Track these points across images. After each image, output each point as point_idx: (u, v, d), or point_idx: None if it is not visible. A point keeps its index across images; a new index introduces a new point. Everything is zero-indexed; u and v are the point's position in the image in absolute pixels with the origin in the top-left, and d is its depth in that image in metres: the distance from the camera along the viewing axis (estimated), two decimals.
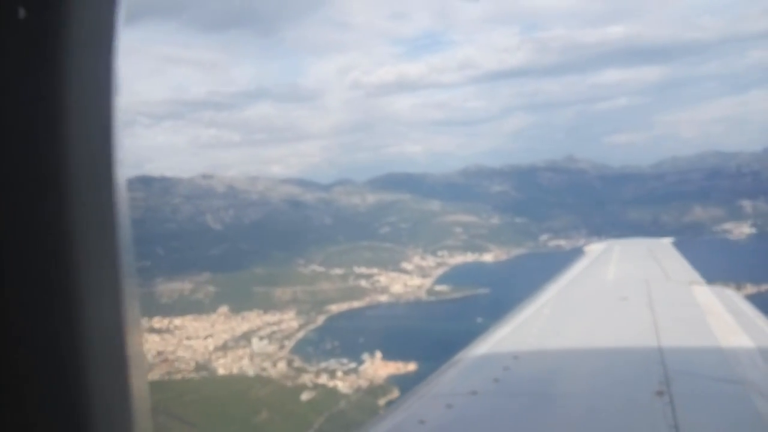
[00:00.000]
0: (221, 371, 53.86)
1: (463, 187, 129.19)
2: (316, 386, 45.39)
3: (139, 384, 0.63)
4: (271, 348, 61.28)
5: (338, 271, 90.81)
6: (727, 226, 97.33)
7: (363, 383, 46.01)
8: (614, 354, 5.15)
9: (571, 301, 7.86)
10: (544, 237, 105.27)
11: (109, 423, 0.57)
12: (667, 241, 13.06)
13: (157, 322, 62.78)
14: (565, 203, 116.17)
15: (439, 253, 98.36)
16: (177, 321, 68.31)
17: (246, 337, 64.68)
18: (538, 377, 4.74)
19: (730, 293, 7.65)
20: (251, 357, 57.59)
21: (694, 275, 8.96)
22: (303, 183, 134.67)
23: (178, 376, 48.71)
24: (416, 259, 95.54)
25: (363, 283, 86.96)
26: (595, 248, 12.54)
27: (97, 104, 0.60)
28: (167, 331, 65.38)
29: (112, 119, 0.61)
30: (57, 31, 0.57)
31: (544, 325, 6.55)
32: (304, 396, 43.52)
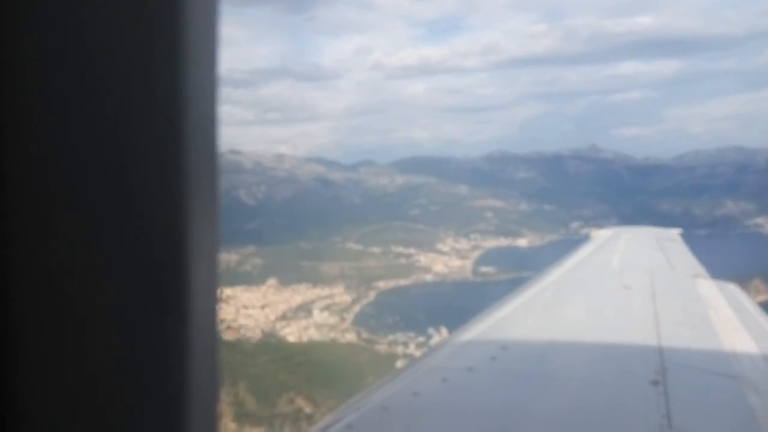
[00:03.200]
0: (290, 339, 54.96)
1: (488, 173, 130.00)
2: (405, 355, 46.56)
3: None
4: (332, 320, 62.39)
5: (375, 249, 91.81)
6: (759, 220, 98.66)
7: None
8: (612, 341, 5.17)
9: (573, 286, 7.79)
10: (575, 225, 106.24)
11: (203, 393, 0.58)
12: (674, 232, 12.89)
13: None
14: (593, 192, 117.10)
15: (472, 236, 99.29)
16: (228, 291, 69.41)
17: (303, 308, 65.72)
18: (535, 359, 4.74)
19: (733, 288, 7.56)
20: (318, 327, 58.67)
21: (699, 268, 8.90)
22: (326, 162, 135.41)
23: (254, 341, 49.82)
24: (449, 241, 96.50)
25: (403, 261, 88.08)
26: (601, 234, 12.36)
27: (207, 63, 0.58)
28: (222, 300, 66.47)
29: (216, 77, 0.61)
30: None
31: (544, 308, 6.52)
32: (399, 364, 44.78)
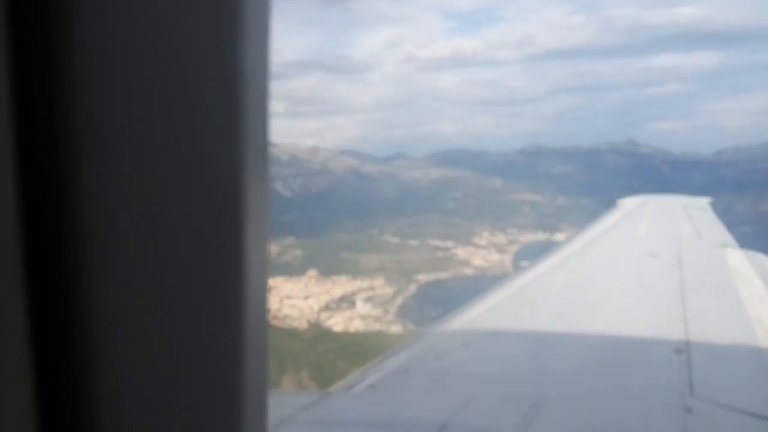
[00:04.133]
0: (337, 329, 55.50)
1: (523, 166, 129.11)
2: None
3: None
4: (376, 311, 62.77)
5: (413, 242, 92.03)
6: None
7: None
8: (637, 308, 5.12)
9: (599, 253, 7.73)
10: None
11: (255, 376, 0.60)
12: (704, 201, 12.51)
13: None
14: (633, 187, 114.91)
15: (509, 230, 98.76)
16: (270, 281, 70.34)
17: (345, 299, 66.27)
18: (558, 324, 4.68)
19: (763, 259, 7.29)
20: (362, 319, 59.12)
21: (728, 237, 8.65)
22: (360, 155, 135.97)
23: (303, 330, 50.37)
24: (486, 235, 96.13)
25: (441, 255, 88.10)
26: (629, 202, 12.08)
27: (260, 55, 0.59)
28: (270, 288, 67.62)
29: (269, 69, 0.61)
30: None
31: (569, 275, 6.49)
32: None
